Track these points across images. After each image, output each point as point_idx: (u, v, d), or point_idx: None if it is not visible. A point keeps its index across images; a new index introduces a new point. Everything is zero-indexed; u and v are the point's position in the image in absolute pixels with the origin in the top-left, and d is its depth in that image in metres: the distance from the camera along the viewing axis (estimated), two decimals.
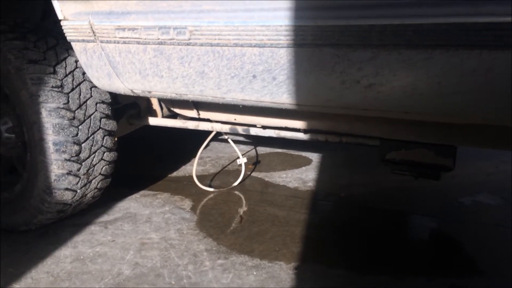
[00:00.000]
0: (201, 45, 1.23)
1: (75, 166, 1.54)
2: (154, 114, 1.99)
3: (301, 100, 1.20)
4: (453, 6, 0.89)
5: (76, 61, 1.56)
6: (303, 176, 2.26)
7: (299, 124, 1.62)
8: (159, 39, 1.28)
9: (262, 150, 2.71)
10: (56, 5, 1.41)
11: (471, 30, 0.88)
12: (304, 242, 1.60)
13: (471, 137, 1.30)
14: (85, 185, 1.62)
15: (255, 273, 1.41)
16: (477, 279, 1.39)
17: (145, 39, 1.30)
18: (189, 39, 1.23)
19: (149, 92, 1.45)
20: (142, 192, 2.06)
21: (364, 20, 0.98)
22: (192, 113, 1.86)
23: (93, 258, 1.51)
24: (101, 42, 1.39)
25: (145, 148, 2.81)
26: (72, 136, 1.51)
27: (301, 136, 1.68)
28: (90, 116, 1.57)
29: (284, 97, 1.21)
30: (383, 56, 1.00)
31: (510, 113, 0.94)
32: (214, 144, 2.82)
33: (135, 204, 1.93)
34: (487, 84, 0.92)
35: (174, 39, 1.25)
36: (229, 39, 1.17)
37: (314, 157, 2.56)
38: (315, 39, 1.05)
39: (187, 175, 2.30)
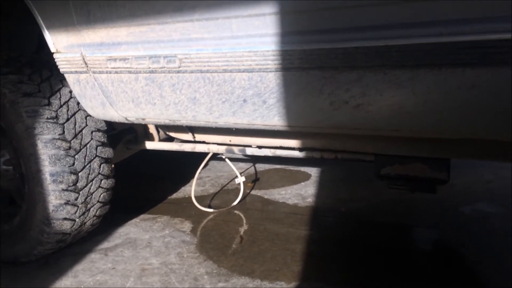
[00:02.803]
0: (191, 72, 1.24)
1: (73, 195, 1.55)
2: (151, 138, 2.01)
3: (292, 122, 1.21)
4: (435, 27, 0.90)
5: (71, 91, 1.58)
6: (302, 192, 2.26)
7: (293, 143, 1.63)
8: (150, 68, 1.29)
9: (261, 166, 2.72)
10: (49, 38, 1.44)
11: (453, 49, 0.89)
12: (305, 260, 1.60)
13: (464, 150, 1.31)
14: (83, 213, 1.62)
15: None
16: None
17: (136, 68, 1.32)
18: (179, 67, 1.25)
19: (143, 119, 1.47)
20: (141, 216, 2.06)
21: (348, 43, 1.00)
22: (188, 136, 1.88)
23: (94, 287, 1.50)
24: (94, 72, 1.41)
25: (144, 171, 2.82)
26: (69, 166, 1.52)
27: (296, 154, 1.68)
28: (86, 145, 1.58)
29: (275, 120, 1.23)
30: (369, 77, 1.01)
31: (496, 127, 0.95)
32: (213, 163, 2.83)
33: (135, 229, 1.93)
34: (472, 101, 0.93)
35: (164, 67, 1.27)
36: (218, 65, 1.18)
37: (313, 172, 2.56)
38: (302, 63, 1.07)
39: (186, 196, 2.30)
